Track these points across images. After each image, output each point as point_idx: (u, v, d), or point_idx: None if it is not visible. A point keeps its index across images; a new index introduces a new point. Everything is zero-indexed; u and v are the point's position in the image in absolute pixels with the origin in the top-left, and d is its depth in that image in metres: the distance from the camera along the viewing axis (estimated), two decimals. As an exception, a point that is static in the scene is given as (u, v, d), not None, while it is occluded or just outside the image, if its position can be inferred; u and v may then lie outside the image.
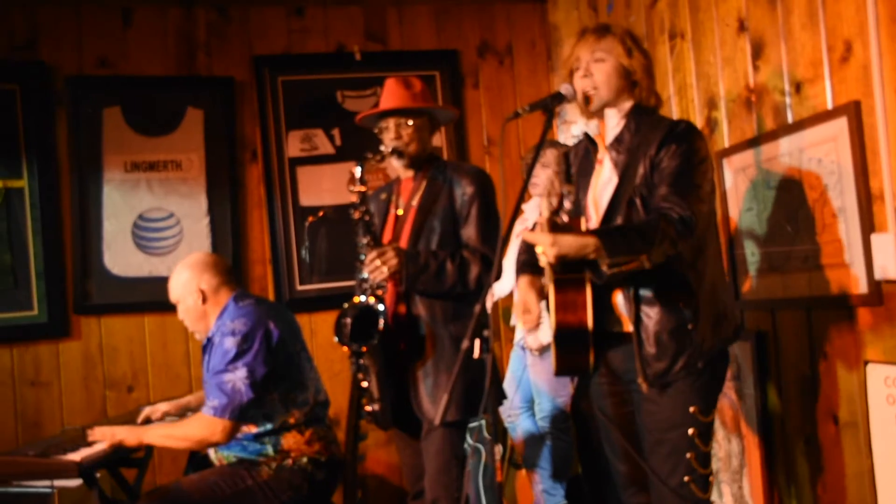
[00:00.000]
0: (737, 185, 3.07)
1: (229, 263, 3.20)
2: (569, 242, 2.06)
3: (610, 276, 2.14)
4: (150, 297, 4.15)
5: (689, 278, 2.27)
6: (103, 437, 2.92)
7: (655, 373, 2.26)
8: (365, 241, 2.83)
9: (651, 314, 2.26)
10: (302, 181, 4.48)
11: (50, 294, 4.08)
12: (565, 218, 2.02)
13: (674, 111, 3.50)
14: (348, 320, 2.77)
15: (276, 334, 2.93)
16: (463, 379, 2.60)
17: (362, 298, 2.80)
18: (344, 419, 3.44)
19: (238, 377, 2.84)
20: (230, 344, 2.86)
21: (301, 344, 3.10)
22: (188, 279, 3.04)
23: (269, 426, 2.95)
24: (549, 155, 3.75)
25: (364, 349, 2.74)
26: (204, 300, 3.02)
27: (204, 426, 2.85)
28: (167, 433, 2.95)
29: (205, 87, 4.39)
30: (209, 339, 2.99)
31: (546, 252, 2.05)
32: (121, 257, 4.21)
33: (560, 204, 2.05)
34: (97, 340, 4.17)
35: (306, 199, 4.48)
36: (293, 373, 2.99)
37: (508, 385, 3.92)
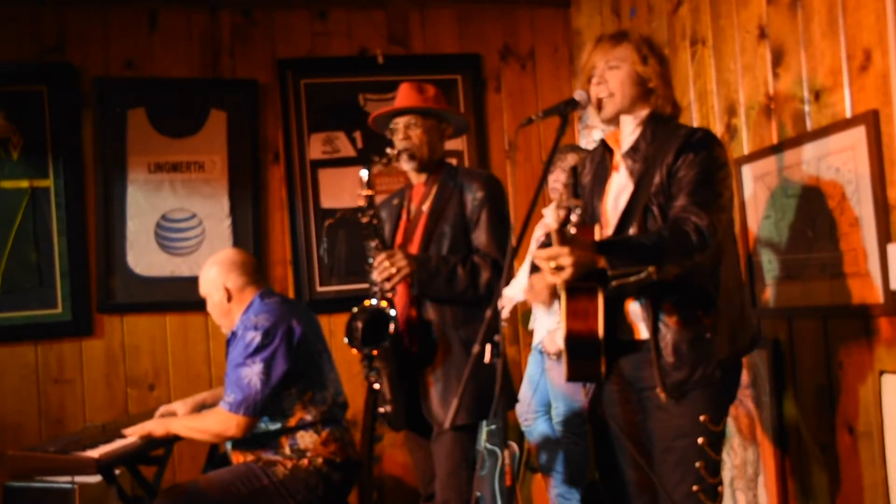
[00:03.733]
0: (756, 193, 3.05)
1: (257, 262, 3.24)
2: (581, 255, 2.04)
3: (616, 288, 2.13)
4: (173, 296, 4.21)
5: (707, 288, 2.25)
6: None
7: (674, 382, 2.24)
8: (373, 244, 2.85)
9: (669, 324, 2.24)
10: (323, 183, 4.52)
11: (74, 293, 4.14)
12: (573, 231, 2.01)
13: (694, 118, 3.49)
14: (359, 324, 2.79)
15: (298, 332, 2.97)
16: (473, 383, 2.61)
17: (373, 302, 2.82)
18: (361, 420, 3.46)
19: (255, 372, 2.87)
20: (252, 337, 2.91)
21: (322, 344, 3.14)
22: (216, 276, 3.09)
23: (286, 423, 2.98)
24: (571, 159, 3.75)
25: (375, 353, 2.76)
26: (229, 299, 3.07)
27: (220, 420, 2.90)
28: (189, 425, 3.01)
29: (228, 89, 4.43)
30: (234, 333, 3.04)
31: (562, 263, 2.03)
32: (144, 257, 4.27)
33: (567, 218, 2.03)
34: (120, 339, 4.23)
35: (327, 202, 4.52)
36: (313, 372, 3.02)
37: (525, 388, 3.93)
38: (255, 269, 3.16)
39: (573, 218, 2.04)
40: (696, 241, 2.13)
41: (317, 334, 3.12)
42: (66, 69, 4.22)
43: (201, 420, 2.99)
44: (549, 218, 2.10)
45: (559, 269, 2.04)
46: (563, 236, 2.06)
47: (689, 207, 2.18)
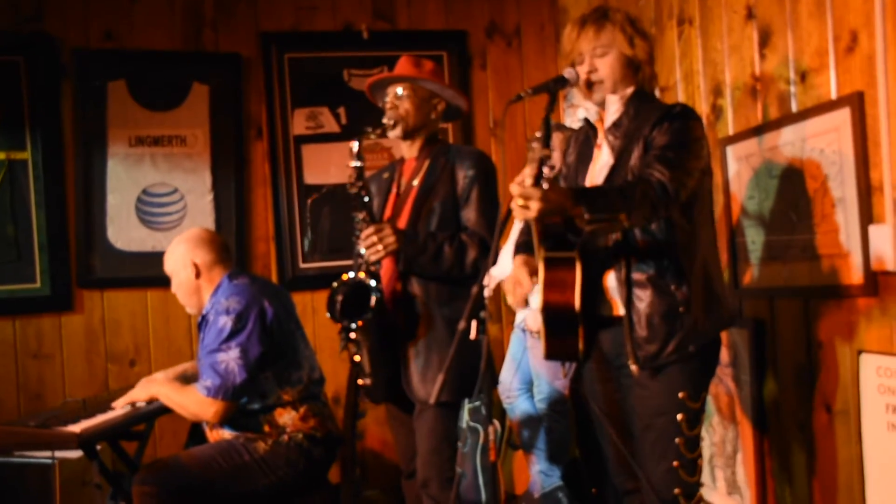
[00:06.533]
0: (740, 173, 3.06)
1: (226, 242, 3.22)
2: (552, 196, 2.01)
3: (590, 234, 2.12)
4: (153, 271, 4.13)
5: (681, 262, 2.27)
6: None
7: (646, 355, 2.26)
8: (360, 216, 2.84)
9: (643, 297, 2.26)
10: (307, 159, 4.49)
11: (53, 267, 4.10)
12: (546, 186, 1.99)
13: (680, 97, 3.49)
14: (339, 297, 2.79)
15: (270, 312, 2.95)
16: (457, 360, 2.61)
17: (350, 274, 2.80)
18: (345, 397, 3.46)
19: (231, 357, 2.86)
20: (224, 322, 2.89)
21: (296, 322, 3.13)
22: (183, 252, 3.08)
23: (264, 404, 2.98)
24: (555, 138, 3.74)
25: (360, 323, 2.74)
26: (197, 275, 3.05)
27: (198, 403, 2.89)
28: (171, 396, 2.99)
29: (211, 62, 4.38)
30: (204, 317, 3.02)
31: (530, 203, 1.99)
32: (124, 232, 4.23)
33: (539, 170, 2.02)
34: (100, 314, 4.20)
35: (311, 178, 4.49)
36: (288, 351, 3.01)
37: (508, 367, 3.94)
38: (223, 248, 3.14)
39: (545, 171, 2.03)
40: (660, 192, 2.13)
41: (289, 312, 3.11)
42: (44, 39, 4.14)
43: (183, 395, 2.97)
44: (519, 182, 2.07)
45: (526, 207, 2.01)
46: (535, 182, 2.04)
47: (653, 164, 2.19)
